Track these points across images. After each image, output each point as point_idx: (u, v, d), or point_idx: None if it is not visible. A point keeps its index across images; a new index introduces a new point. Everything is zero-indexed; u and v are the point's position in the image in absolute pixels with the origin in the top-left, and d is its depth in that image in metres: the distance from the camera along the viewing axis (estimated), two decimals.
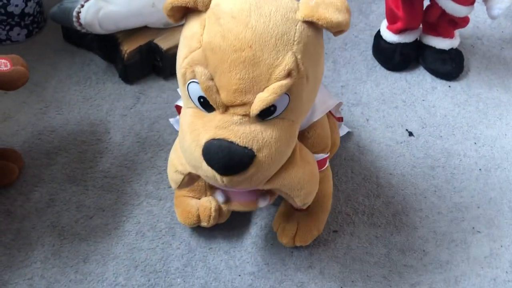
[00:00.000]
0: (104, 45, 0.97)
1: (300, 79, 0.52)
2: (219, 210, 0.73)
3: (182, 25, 0.97)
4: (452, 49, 1.02)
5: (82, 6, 0.88)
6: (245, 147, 0.51)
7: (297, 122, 0.56)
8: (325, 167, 0.70)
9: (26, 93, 0.93)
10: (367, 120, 0.93)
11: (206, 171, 0.53)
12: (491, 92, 1.00)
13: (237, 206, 0.62)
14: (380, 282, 0.72)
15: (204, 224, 0.73)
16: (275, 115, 0.52)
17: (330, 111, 0.76)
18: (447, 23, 0.99)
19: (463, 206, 0.82)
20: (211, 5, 0.52)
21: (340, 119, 0.85)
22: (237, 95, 0.50)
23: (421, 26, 1.03)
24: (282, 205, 0.76)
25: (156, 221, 0.77)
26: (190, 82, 0.52)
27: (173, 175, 0.60)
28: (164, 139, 0.87)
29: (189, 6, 0.51)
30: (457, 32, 1.02)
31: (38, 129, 0.88)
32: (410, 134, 0.92)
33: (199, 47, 0.51)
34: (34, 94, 0.93)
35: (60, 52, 1.01)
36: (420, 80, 1.02)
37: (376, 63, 1.05)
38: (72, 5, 0.89)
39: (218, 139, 0.51)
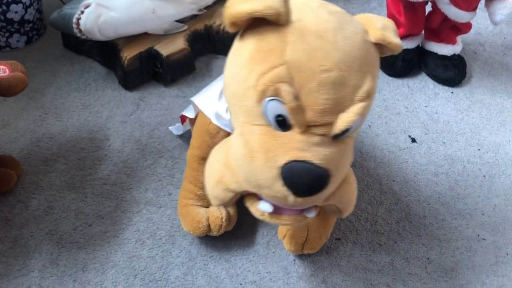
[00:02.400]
0: (104, 51, 0.97)
1: (372, 102, 0.53)
2: (229, 219, 0.72)
3: (183, 31, 0.97)
4: (454, 55, 1.01)
5: (82, 12, 0.88)
6: (326, 169, 0.50)
7: (353, 141, 0.56)
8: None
9: (25, 100, 0.92)
10: (370, 126, 0.93)
11: (278, 192, 0.51)
12: (494, 98, 0.99)
13: (286, 220, 0.56)
14: None
15: (214, 233, 0.72)
16: (347, 134, 0.52)
17: None
18: (449, 29, 0.98)
19: (467, 213, 0.81)
20: (292, 19, 0.50)
21: None
22: (323, 115, 0.50)
23: (423, 32, 1.03)
24: None
25: (156, 228, 0.76)
26: (270, 100, 0.50)
27: (221, 193, 0.56)
28: (164, 146, 0.86)
29: (270, 18, 0.49)
30: (459, 38, 1.02)
31: (36, 136, 0.87)
32: (413, 140, 0.91)
33: (282, 64, 0.49)
34: (33, 100, 0.93)
35: (59, 58, 1.01)
36: (422, 86, 1.01)
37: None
38: (72, 12, 0.89)
39: (301, 161, 0.49)
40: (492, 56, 1.08)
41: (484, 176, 0.86)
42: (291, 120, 0.50)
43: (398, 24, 0.99)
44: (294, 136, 0.50)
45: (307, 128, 0.50)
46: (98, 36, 0.90)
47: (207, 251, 0.74)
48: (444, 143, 0.91)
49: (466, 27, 0.98)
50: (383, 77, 1.02)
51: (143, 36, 0.95)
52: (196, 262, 0.73)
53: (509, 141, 0.92)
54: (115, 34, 0.91)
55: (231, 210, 0.73)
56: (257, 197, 0.55)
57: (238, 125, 0.54)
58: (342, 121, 0.50)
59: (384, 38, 0.52)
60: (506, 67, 1.06)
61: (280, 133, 0.51)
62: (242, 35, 0.53)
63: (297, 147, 0.50)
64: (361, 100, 0.50)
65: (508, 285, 0.72)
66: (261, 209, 0.55)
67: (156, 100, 0.94)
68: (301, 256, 0.73)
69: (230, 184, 0.54)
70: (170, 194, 0.80)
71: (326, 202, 0.55)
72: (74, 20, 0.88)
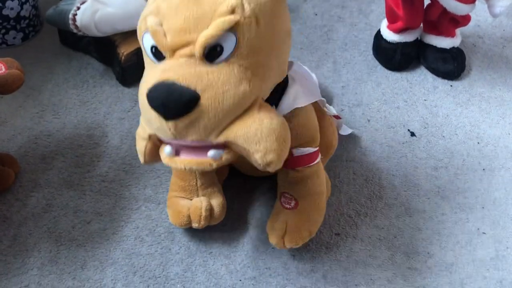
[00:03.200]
0: (101, 47, 0.96)
1: (247, 19, 0.51)
2: (210, 210, 0.71)
3: None
4: (453, 48, 1.01)
5: (78, 8, 0.87)
6: (188, 87, 0.50)
7: (254, 74, 0.53)
8: (314, 163, 0.67)
9: (22, 97, 0.92)
10: (369, 120, 0.92)
11: (154, 121, 0.52)
12: (493, 91, 0.99)
13: (185, 162, 0.55)
14: (384, 286, 0.71)
15: (195, 225, 0.71)
16: (222, 57, 0.52)
17: (323, 109, 0.75)
18: (448, 22, 0.98)
19: (467, 207, 0.80)
20: None
21: (337, 117, 0.83)
22: (181, 34, 0.51)
23: (421, 25, 1.02)
24: (275, 205, 0.73)
25: (155, 225, 0.76)
26: (144, 34, 0.54)
27: (138, 144, 0.60)
28: None
29: None
30: (458, 31, 1.01)
31: (34, 133, 0.86)
32: (412, 134, 0.90)
33: (153, 1, 0.54)
34: (31, 98, 0.92)
35: (56, 55, 1.00)
36: (421, 79, 1.01)
37: (377, 63, 1.03)
38: (68, 8, 0.88)
39: (161, 81, 0.50)
40: (492, 49, 1.08)
41: (484, 169, 0.86)
42: (160, 47, 0.52)
43: (396, 17, 0.99)
44: (164, 62, 0.53)
45: (173, 52, 0.52)
46: (95, 32, 0.89)
47: (206, 248, 0.74)
48: (443, 136, 0.90)
49: (465, 19, 0.97)
50: (382, 71, 1.02)
51: None
52: (196, 259, 0.72)
53: (509, 134, 0.91)
54: (112, 30, 0.91)
55: (215, 203, 0.72)
56: (164, 143, 0.57)
57: None
58: (201, 36, 0.50)
59: None
60: (506, 60, 1.06)
61: (156, 64, 0.54)
62: None
63: (162, 70, 0.51)
64: (221, 15, 0.50)
65: (508, 279, 0.72)
66: (164, 152, 0.55)
67: None
68: (301, 251, 0.73)
69: (140, 131, 0.58)
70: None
71: (221, 138, 0.52)
72: (70, 16, 0.87)
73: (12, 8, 0.96)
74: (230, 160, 0.55)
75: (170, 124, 0.51)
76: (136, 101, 0.92)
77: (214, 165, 0.54)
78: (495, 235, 0.77)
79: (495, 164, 0.86)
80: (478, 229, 0.78)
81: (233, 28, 0.50)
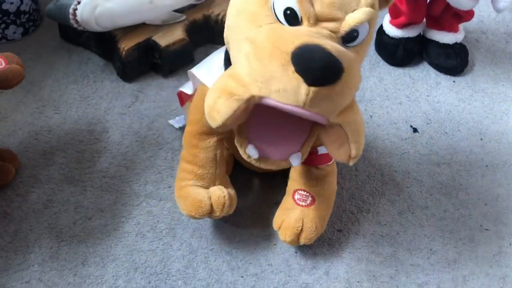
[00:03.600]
0: (102, 42, 0.95)
1: (375, 17, 0.54)
2: (231, 199, 0.69)
3: (181, 21, 0.96)
4: (456, 43, 1.00)
5: (79, 3, 0.87)
6: (339, 59, 0.49)
7: (360, 65, 0.56)
8: (332, 161, 0.68)
9: (22, 92, 0.91)
10: (371, 116, 0.92)
11: (288, 82, 0.48)
12: (496, 86, 0.98)
13: (270, 163, 0.56)
14: (386, 282, 0.70)
15: (217, 214, 0.67)
16: (355, 43, 0.53)
17: None
18: (451, 17, 0.97)
19: (470, 204, 0.80)
20: None
21: None
22: (331, 8, 0.51)
23: (424, 20, 1.01)
24: (284, 201, 0.73)
25: (156, 221, 0.75)
26: None
27: (225, 104, 0.51)
28: (163, 138, 0.86)
29: None
30: (461, 26, 1.00)
31: (34, 129, 0.86)
32: (415, 130, 0.90)
33: None
34: (31, 93, 0.92)
35: (57, 50, 1.00)
36: (424, 75, 1.00)
37: (379, 58, 1.03)
38: (68, 2, 0.88)
39: (314, 44, 0.48)
40: (495, 44, 1.07)
41: (486, 166, 0.85)
42: (300, 11, 0.51)
43: (399, 12, 0.98)
44: (304, 28, 0.51)
45: (316, 21, 0.51)
46: (95, 27, 0.88)
47: (208, 244, 0.73)
48: (446, 132, 0.90)
49: (468, 14, 0.97)
50: (384, 67, 1.01)
51: (141, 26, 0.94)
52: (197, 255, 0.72)
53: None
54: (113, 25, 0.90)
55: (232, 192, 0.70)
56: (247, 140, 0.55)
57: (242, 45, 0.53)
58: (351, 17, 0.51)
59: None
60: (509, 55, 1.05)
61: (290, 27, 0.52)
62: None
63: (307, 34, 0.50)
64: (366, 5, 0.52)
65: (511, 275, 0.72)
66: (248, 153, 0.55)
67: (155, 92, 0.93)
68: (303, 248, 0.73)
69: (235, 89, 0.51)
70: (170, 187, 0.79)
71: (338, 119, 0.54)
72: (71, 11, 0.87)
73: (12, 3, 0.96)
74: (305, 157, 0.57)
75: (312, 90, 0.48)
76: (137, 97, 0.92)
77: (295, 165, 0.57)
78: (497, 232, 0.77)
79: (498, 161, 0.86)
80: (481, 225, 0.77)
81: (370, 19, 0.53)
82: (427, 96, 0.96)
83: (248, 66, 0.51)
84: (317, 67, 0.48)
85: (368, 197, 0.80)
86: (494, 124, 0.92)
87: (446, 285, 0.71)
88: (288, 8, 0.51)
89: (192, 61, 0.98)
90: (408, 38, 1.00)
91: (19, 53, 0.75)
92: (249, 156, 0.56)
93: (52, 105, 0.90)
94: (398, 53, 1.00)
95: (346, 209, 0.78)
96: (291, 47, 0.48)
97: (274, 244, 0.73)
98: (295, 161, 0.56)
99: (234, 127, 0.55)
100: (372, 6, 0.53)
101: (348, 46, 0.53)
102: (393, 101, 0.95)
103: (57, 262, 0.71)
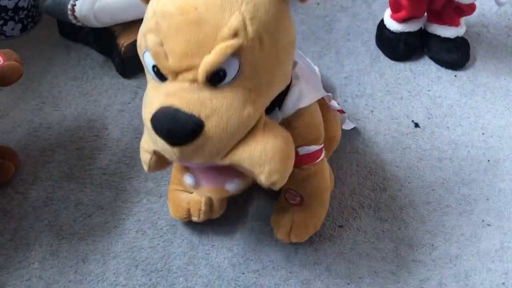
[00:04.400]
0: (101, 38, 0.95)
1: (250, 42, 0.49)
2: (210, 204, 0.71)
3: None
4: (457, 37, 0.99)
5: None
6: (192, 114, 0.49)
7: (258, 94, 0.52)
8: (318, 160, 0.67)
9: (21, 89, 0.91)
10: (372, 111, 0.91)
11: (160, 144, 0.51)
12: (498, 81, 0.98)
13: (206, 191, 0.58)
14: (388, 278, 0.70)
15: (194, 218, 0.72)
16: (226, 81, 0.50)
17: (327, 103, 0.74)
18: (453, 11, 0.96)
19: (472, 199, 0.80)
20: None
21: (341, 111, 0.82)
22: (183, 58, 0.49)
23: (425, 14, 1.01)
24: (279, 200, 0.74)
25: (156, 218, 0.75)
26: (145, 52, 0.52)
27: (142, 155, 0.59)
28: None
29: None
30: (462, 20, 1.00)
31: (34, 126, 0.86)
32: (416, 125, 0.89)
33: (152, 16, 0.51)
34: (30, 90, 0.91)
35: (56, 46, 0.99)
36: (425, 70, 0.99)
37: (380, 53, 1.02)
38: None
39: (165, 107, 0.49)
40: (496, 38, 1.06)
41: (488, 160, 0.85)
42: (161, 69, 0.50)
43: (400, 6, 0.97)
44: (167, 84, 0.51)
45: (176, 75, 0.50)
46: (94, 23, 0.88)
47: (209, 241, 0.73)
48: (447, 127, 0.89)
49: (470, 8, 0.96)
50: (385, 61, 1.00)
51: (140, 22, 0.92)
52: (198, 252, 0.72)
53: None
54: (112, 20, 0.89)
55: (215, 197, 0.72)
56: (185, 169, 0.57)
57: None
58: (204, 62, 0.48)
59: None
60: (511, 49, 1.04)
61: (159, 84, 0.52)
62: None
63: (165, 93, 0.50)
64: (224, 40, 0.48)
65: None
66: (185, 181, 0.57)
67: None
68: (304, 244, 0.72)
69: (144, 144, 0.58)
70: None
71: (226, 161, 0.53)
72: (69, 6, 0.86)
73: None
74: (246, 187, 0.57)
75: (175, 149, 0.50)
76: (136, 93, 0.91)
77: (232, 194, 0.57)
78: (500, 227, 0.76)
79: (500, 155, 0.85)
80: (483, 220, 0.77)
81: (236, 52, 0.48)
82: (428, 90, 0.95)
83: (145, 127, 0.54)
84: (166, 129, 0.49)
85: (369, 192, 0.79)
86: (495, 119, 0.91)
87: (448, 280, 0.70)
88: (154, 66, 0.51)
89: None
90: (409, 33, 0.99)
91: (17, 49, 0.75)
92: (186, 185, 0.58)
93: (51, 102, 0.89)
94: (399, 48, 1.00)
95: (347, 205, 0.78)
96: (151, 113, 0.50)
97: (276, 240, 0.73)
98: (232, 187, 0.56)
99: (164, 169, 0.59)
100: (234, 34, 0.48)
101: (220, 87, 0.50)
102: (394, 96, 0.94)
103: (57, 259, 0.70)
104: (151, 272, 0.70)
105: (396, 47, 1.00)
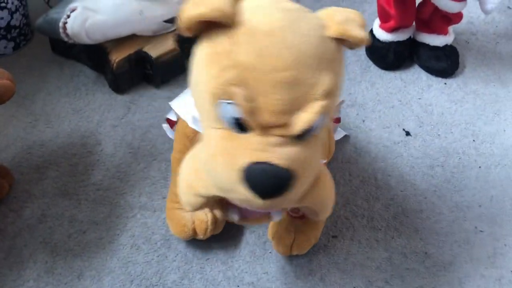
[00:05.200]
0: (93, 55, 0.95)
1: (333, 103, 0.51)
2: (215, 222, 0.71)
3: (172, 32, 0.96)
4: (446, 45, 1.00)
5: (68, 16, 0.87)
6: (288, 169, 0.49)
7: (321, 144, 0.55)
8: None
9: (14, 107, 0.91)
10: (363, 121, 0.92)
11: (242, 195, 0.50)
12: (487, 87, 0.99)
13: (252, 221, 0.60)
14: (382, 287, 0.70)
15: (200, 237, 0.72)
16: (311, 134, 0.51)
17: None
18: (441, 20, 0.98)
19: (464, 206, 0.80)
20: (242, 19, 0.49)
21: (338, 120, 0.83)
22: (278, 116, 0.48)
23: (414, 23, 1.02)
24: None
25: (151, 233, 0.75)
26: (228, 104, 0.49)
27: (192, 198, 0.56)
28: (156, 149, 0.86)
29: (218, 20, 0.48)
30: (451, 28, 1.01)
31: (27, 143, 0.86)
32: (407, 133, 0.90)
33: (234, 66, 0.48)
34: (23, 107, 0.92)
35: (48, 64, 1.00)
36: (415, 78, 1.00)
37: (370, 62, 1.03)
38: (58, 16, 0.88)
39: (260, 163, 0.48)
40: (485, 45, 1.08)
41: (480, 167, 0.85)
42: (248, 122, 0.49)
43: (388, 16, 0.99)
44: (252, 137, 0.49)
45: (265, 129, 0.49)
46: (86, 40, 0.89)
47: (203, 254, 0.73)
48: (438, 135, 0.90)
49: (457, 17, 0.97)
50: (375, 71, 1.01)
51: (132, 38, 0.94)
52: (193, 266, 0.72)
53: (504, 130, 0.91)
54: (103, 37, 0.90)
55: (218, 213, 0.72)
56: (227, 203, 0.56)
57: (204, 130, 0.54)
58: (300, 121, 0.48)
59: (344, 32, 0.49)
60: (499, 56, 1.06)
61: (238, 135, 0.50)
62: (199, 40, 0.52)
63: (256, 148, 0.49)
64: (319, 99, 0.48)
65: (507, 277, 0.72)
66: (230, 214, 0.58)
67: (147, 103, 0.93)
68: (297, 255, 0.73)
69: (199, 188, 0.54)
70: (164, 198, 0.79)
71: (300, 204, 0.54)
72: (61, 24, 0.87)
73: (2, 18, 0.96)
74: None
75: (266, 202, 0.49)
76: (129, 108, 0.92)
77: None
78: (492, 233, 0.77)
79: (491, 162, 0.86)
80: (476, 227, 0.78)
81: (325, 111, 0.49)
82: (419, 99, 0.96)
83: (209, 174, 0.52)
84: (266, 186, 0.48)
85: (362, 202, 0.80)
86: (486, 125, 0.92)
87: None
88: (235, 118, 0.49)
89: (183, 71, 0.98)
90: (398, 42, 1.00)
91: (10, 67, 0.75)
92: (231, 218, 0.59)
93: (44, 119, 0.90)
94: (388, 57, 1.01)
95: (340, 215, 0.78)
96: (240, 164, 0.48)
97: (270, 252, 0.73)
98: (276, 217, 0.59)
99: (211, 207, 0.59)
100: (327, 96, 0.48)
101: (304, 140, 0.50)
102: (385, 105, 0.95)
103: (52, 277, 0.70)
104: (146, 287, 0.70)
105: (386, 56, 1.01)
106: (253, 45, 0.47)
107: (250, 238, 0.75)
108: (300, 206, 0.56)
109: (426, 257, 0.74)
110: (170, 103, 0.73)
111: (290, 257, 0.73)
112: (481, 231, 0.77)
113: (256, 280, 0.71)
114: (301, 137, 0.50)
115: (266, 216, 0.58)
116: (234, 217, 0.58)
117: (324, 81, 0.48)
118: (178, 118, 0.73)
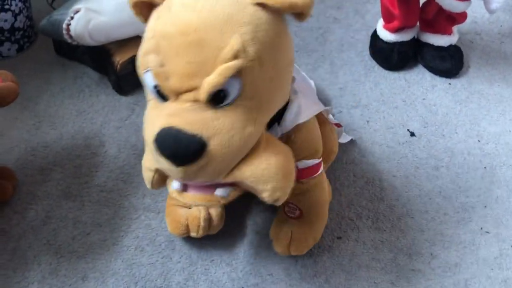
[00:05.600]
0: (96, 57, 0.95)
1: (250, 63, 0.50)
2: (209, 220, 0.71)
3: None
4: (450, 45, 1.00)
5: (72, 18, 0.87)
6: (195, 135, 0.49)
7: (258, 112, 0.53)
8: (317, 174, 0.67)
9: (18, 109, 0.91)
10: (367, 121, 0.92)
11: (163, 163, 0.51)
12: (492, 87, 0.98)
13: (193, 198, 0.56)
14: None
15: (193, 234, 0.71)
16: (227, 101, 0.51)
17: (324, 117, 0.74)
18: (445, 20, 0.97)
19: (470, 206, 0.80)
20: None
21: (338, 125, 0.83)
22: (184, 79, 0.50)
23: (418, 23, 1.02)
24: (278, 212, 0.74)
25: (155, 234, 0.75)
26: (146, 72, 0.52)
27: (144, 173, 0.60)
28: None
29: (146, 1, 0.53)
30: (455, 28, 1.00)
31: (31, 145, 0.86)
32: (412, 134, 0.90)
33: (152, 36, 0.51)
34: (27, 109, 0.92)
35: (52, 65, 1.00)
36: (419, 78, 1.00)
37: (374, 63, 1.03)
38: (61, 18, 0.88)
39: (168, 127, 0.50)
40: (489, 45, 1.07)
41: (485, 167, 0.85)
42: (163, 88, 0.51)
43: (392, 16, 0.98)
44: (169, 105, 0.51)
45: (177, 95, 0.51)
46: (89, 41, 0.89)
47: (207, 255, 0.73)
48: (443, 135, 0.90)
49: (462, 17, 0.97)
50: (379, 71, 1.01)
51: (135, 39, 0.94)
52: (197, 267, 0.72)
53: (509, 131, 0.91)
54: (106, 39, 0.90)
55: (214, 212, 0.72)
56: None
57: None
58: (206, 83, 0.49)
59: None
60: (504, 56, 1.05)
61: (160, 104, 0.52)
62: None
63: (169, 113, 0.50)
64: (225, 61, 0.49)
65: None
66: (172, 186, 0.57)
67: None
68: (303, 256, 0.72)
69: (146, 162, 0.58)
70: None
71: (229, 179, 0.53)
72: (64, 26, 0.87)
73: (5, 20, 0.96)
74: (237, 195, 0.56)
75: (179, 169, 0.50)
76: (133, 110, 0.92)
77: (222, 202, 0.56)
78: (498, 234, 0.76)
79: (496, 162, 0.86)
80: (481, 228, 0.77)
81: (237, 73, 0.49)
82: (423, 99, 0.96)
83: (145, 142, 0.55)
84: (170, 150, 0.49)
85: (367, 203, 0.79)
86: (491, 125, 0.91)
87: None
88: (155, 85, 0.51)
89: None
90: (402, 42, 1.00)
91: (14, 69, 0.76)
92: (172, 191, 0.57)
93: (48, 121, 0.90)
94: (392, 57, 1.00)
95: (345, 216, 0.78)
96: (155, 131, 0.50)
97: (274, 254, 0.73)
98: (222, 193, 0.56)
99: (165, 184, 0.59)
100: (234, 56, 0.49)
101: (222, 106, 0.51)
102: (389, 106, 0.94)
103: (56, 278, 0.70)
104: None
105: (389, 56, 1.00)
106: (170, 15, 0.51)
107: (254, 239, 0.75)
108: (233, 182, 0.54)
109: (432, 258, 0.73)
110: None
111: (295, 259, 0.73)
112: (486, 232, 0.77)
113: (261, 282, 0.70)
114: (217, 104, 0.50)
115: (210, 191, 0.55)
116: (175, 186, 0.56)
117: (233, 43, 0.49)
118: None
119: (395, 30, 0.99)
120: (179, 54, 0.49)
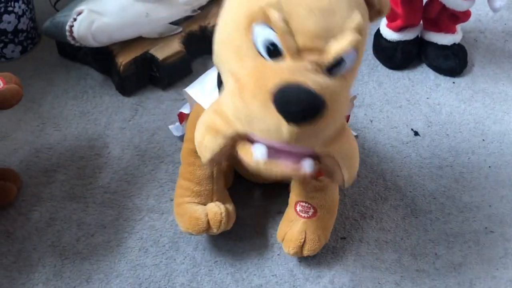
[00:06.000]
0: (99, 58, 0.96)
1: (363, 41, 0.52)
2: (228, 216, 0.70)
3: (178, 34, 0.96)
4: (454, 44, 1.00)
5: (75, 19, 0.87)
6: (321, 96, 0.48)
7: (349, 91, 0.55)
8: None
9: (22, 110, 0.92)
10: (371, 121, 0.91)
11: (270, 121, 0.48)
12: (497, 86, 0.98)
13: (282, 167, 0.52)
14: None
15: (214, 230, 0.69)
16: (341, 71, 0.51)
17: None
18: (448, 18, 0.97)
19: (474, 206, 0.79)
20: None
21: (346, 118, 0.82)
22: (314, 40, 0.49)
23: (421, 22, 1.01)
24: (286, 212, 0.73)
25: (159, 236, 0.75)
26: (257, 25, 0.50)
27: (211, 140, 0.54)
28: (164, 151, 0.85)
29: None
30: (459, 26, 1.00)
31: (35, 146, 0.86)
32: (416, 133, 0.90)
33: None
34: (31, 111, 0.92)
35: (55, 67, 1.00)
36: (423, 77, 1.00)
37: (378, 62, 1.02)
38: (64, 19, 0.88)
39: (294, 82, 0.48)
40: (494, 43, 1.07)
41: (489, 167, 0.85)
42: (282, 45, 0.49)
43: (395, 15, 0.98)
44: (284, 63, 0.50)
45: (298, 54, 0.49)
46: (92, 43, 0.89)
47: (211, 257, 0.73)
48: (447, 135, 0.89)
49: (465, 15, 0.96)
50: (383, 71, 1.01)
51: (138, 40, 0.94)
52: (201, 268, 0.72)
53: None
54: (109, 40, 0.90)
55: (230, 207, 0.71)
56: (250, 143, 0.53)
57: (229, 77, 0.53)
58: (334, 47, 0.49)
59: None
60: (508, 54, 1.05)
61: (270, 63, 0.50)
62: None
63: (289, 71, 0.49)
64: (351, 30, 0.50)
65: None
66: (255, 154, 0.52)
67: (154, 105, 0.93)
68: (306, 257, 0.72)
69: (220, 127, 0.53)
70: (172, 200, 0.78)
71: (325, 149, 0.54)
72: (67, 27, 0.87)
73: (9, 22, 0.96)
74: (315, 172, 0.55)
75: (292, 128, 0.48)
76: (136, 110, 0.92)
77: (305, 175, 0.54)
78: (503, 234, 0.76)
79: (501, 161, 0.85)
80: (486, 227, 0.77)
81: (356, 46, 0.50)
82: (427, 98, 0.96)
83: (232, 105, 0.52)
84: (297, 108, 0.47)
85: (371, 203, 0.79)
86: (495, 124, 0.91)
87: None
88: (269, 42, 0.50)
89: (190, 73, 0.98)
90: (406, 41, 1.00)
91: (18, 71, 0.76)
92: (257, 162, 0.52)
93: (52, 122, 0.90)
94: (396, 56, 1.00)
95: (349, 216, 0.77)
96: (271, 86, 0.48)
97: (278, 254, 0.73)
98: (308, 166, 0.53)
99: (223, 161, 0.57)
100: (358, 31, 0.50)
101: (334, 75, 0.51)
102: (393, 105, 0.94)
103: (61, 280, 0.70)
104: None
105: (393, 56, 1.00)
106: None
107: (258, 240, 0.75)
108: (323, 155, 0.54)
109: (436, 258, 0.73)
110: (185, 89, 0.73)
111: (299, 259, 0.72)
112: (491, 231, 0.76)
113: (265, 283, 0.70)
114: (332, 72, 0.51)
115: (296, 163, 0.53)
116: (258, 154, 0.52)
117: (356, 17, 0.50)
118: (192, 106, 0.72)
119: (398, 29, 0.99)
120: (310, 15, 0.49)
